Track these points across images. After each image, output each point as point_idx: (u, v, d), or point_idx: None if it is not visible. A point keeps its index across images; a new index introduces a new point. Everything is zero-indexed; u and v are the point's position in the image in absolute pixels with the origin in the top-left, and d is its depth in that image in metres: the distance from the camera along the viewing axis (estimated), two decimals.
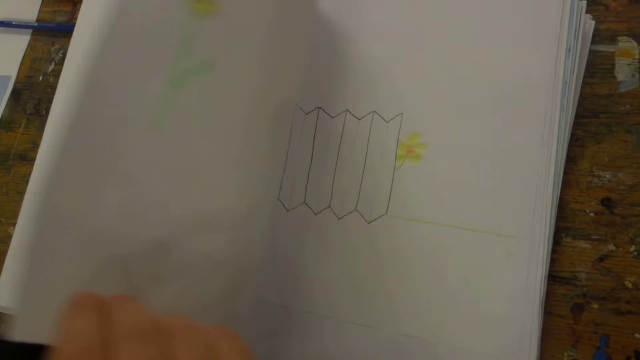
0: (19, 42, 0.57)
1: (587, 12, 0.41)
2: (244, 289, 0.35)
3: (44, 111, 0.54)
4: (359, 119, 0.42)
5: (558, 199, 0.39)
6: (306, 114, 0.43)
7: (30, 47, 0.57)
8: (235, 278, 0.33)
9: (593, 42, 0.42)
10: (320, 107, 0.43)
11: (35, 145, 0.53)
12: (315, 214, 0.41)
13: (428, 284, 0.38)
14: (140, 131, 0.29)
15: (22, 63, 0.56)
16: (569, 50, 0.40)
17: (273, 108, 0.34)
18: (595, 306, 0.37)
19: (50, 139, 0.43)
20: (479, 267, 0.37)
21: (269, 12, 0.34)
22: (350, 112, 0.43)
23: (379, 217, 0.40)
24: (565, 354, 0.36)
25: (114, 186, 0.28)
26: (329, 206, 0.41)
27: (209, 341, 0.25)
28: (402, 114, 0.42)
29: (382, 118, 0.42)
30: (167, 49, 0.30)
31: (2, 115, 0.55)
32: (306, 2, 0.39)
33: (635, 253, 0.37)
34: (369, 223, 0.40)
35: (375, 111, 0.42)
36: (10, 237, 0.50)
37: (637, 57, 0.41)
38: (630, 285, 0.36)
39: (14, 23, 0.57)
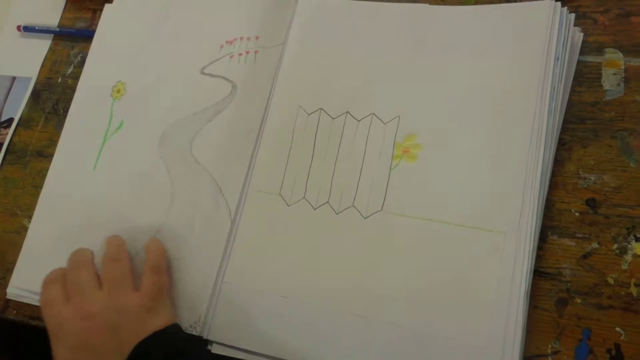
0: (41, 46, 0.60)
1: (575, 25, 0.44)
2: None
3: (62, 110, 0.57)
4: (359, 120, 0.45)
5: (545, 199, 0.41)
6: (308, 114, 0.46)
7: (51, 50, 0.60)
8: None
9: (581, 53, 0.44)
10: (322, 109, 0.46)
11: (52, 142, 0.55)
12: (314, 209, 0.43)
13: (419, 276, 0.40)
14: (88, 171, 0.51)
15: (42, 65, 0.59)
16: (558, 59, 0.42)
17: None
18: (579, 301, 0.38)
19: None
20: (469, 261, 0.39)
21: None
22: (350, 114, 0.45)
23: (375, 212, 0.42)
24: (549, 346, 0.38)
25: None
26: (327, 202, 0.43)
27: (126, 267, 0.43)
28: (399, 116, 0.44)
29: (380, 120, 0.44)
30: (102, 121, 0.52)
31: (22, 113, 0.58)
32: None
33: (617, 251, 0.39)
34: (365, 218, 0.42)
35: (374, 113, 0.45)
36: (25, 228, 0.53)
37: (622, 67, 0.43)
38: (612, 282, 0.38)
39: (37, 28, 0.60)
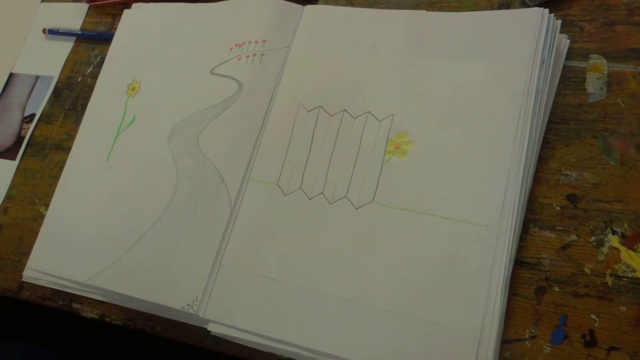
0: (64, 48, 0.64)
1: (563, 32, 0.46)
2: None
3: (80, 107, 0.60)
4: (355, 118, 0.47)
5: (528, 194, 0.43)
6: (308, 111, 0.49)
7: (73, 52, 0.64)
8: None
9: (567, 58, 0.46)
10: (321, 106, 0.49)
11: (70, 136, 0.59)
12: (310, 199, 0.46)
13: (406, 264, 0.42)
14: (102, 162, 0.54)
15: (64, 65, 0.63)
16: (543, 62, 0.44)
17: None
18: (557, 289, 0.40)
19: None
20: (453, 251, 0.41)
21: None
22: (347, 112, 0.48)
23: (366, 204, 0.45)
24: (527, 331, 0.40)
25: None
26: (322, 192, 0.46)
27: None
28: (393, 115, 0.47)
29: (375, 118, 0.47)
30: (117, 116, 0.56)
31: (43, 109, 0.62)
32: None
33: (594, 243, 0.41)
34: (356, 209, 0.45)
35: (369, 112, 0.47)
36: (41, 215, 0.56)
37: (605, 72, 0.45)
38: (588, 272, 0.40)
39: (60, 31, 0.65)
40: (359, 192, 0.45)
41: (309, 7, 0.54)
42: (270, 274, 0.45)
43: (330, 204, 0.46)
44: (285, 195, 0.47)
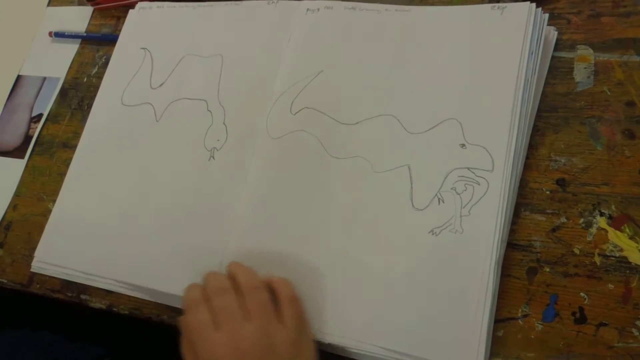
0: (70, 50, 0.66)
1: (551, 24, 0.48)
2: None
3: (86, 106, 0.62)
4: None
5: (520, 179, 0.44)
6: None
7: (79, 53, 0.66)
8: None
9: (556, 49, 0.48)
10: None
11: (77, 135, 0.61)
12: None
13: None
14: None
15: (70, 67, 0.65)
16: (532, 54, 0.46)
17: None
18: (547, 269, 0.42)
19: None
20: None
21: None
22: None
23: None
24: (520, 310, 0.41)
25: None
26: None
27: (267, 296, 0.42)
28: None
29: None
30: None
31: (50, 109, 0.64)
32: None
33: (583, 225, 0.42)
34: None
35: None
36: (49, 211, 0.58)
37: (592, 62, 0.47)
38: (577, 252, 0.42)
39: (66, 34, 0.67)
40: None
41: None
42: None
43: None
44: None
